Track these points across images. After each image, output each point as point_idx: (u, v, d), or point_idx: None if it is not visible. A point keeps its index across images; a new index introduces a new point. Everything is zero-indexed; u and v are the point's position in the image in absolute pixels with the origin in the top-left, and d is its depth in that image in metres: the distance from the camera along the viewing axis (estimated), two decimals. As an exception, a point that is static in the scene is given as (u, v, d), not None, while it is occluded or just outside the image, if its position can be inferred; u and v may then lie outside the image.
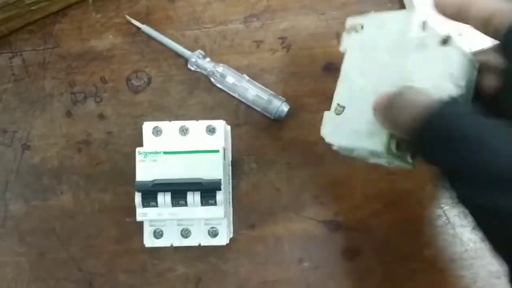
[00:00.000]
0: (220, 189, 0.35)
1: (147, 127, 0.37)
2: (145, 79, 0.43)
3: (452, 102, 0.25)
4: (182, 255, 0.42)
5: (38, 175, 0.42)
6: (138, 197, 0.35)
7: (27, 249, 0.42)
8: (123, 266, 0.42)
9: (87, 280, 0.42)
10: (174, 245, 0.37)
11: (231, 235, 0.40)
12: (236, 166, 0.42)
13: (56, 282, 0.42)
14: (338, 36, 0.43)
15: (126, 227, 0.42)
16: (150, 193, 0.35)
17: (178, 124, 0.37)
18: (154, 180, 0.35)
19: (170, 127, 0.37)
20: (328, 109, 0.33)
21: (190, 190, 0.35)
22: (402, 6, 0.43)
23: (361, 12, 0.43)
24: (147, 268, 0.42)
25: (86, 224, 0.42)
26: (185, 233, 0.37)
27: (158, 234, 0.37)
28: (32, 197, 0.42)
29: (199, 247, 0.41)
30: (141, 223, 0.39)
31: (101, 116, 0.43)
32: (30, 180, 0.42)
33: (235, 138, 0.42)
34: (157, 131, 0.37)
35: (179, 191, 0.35)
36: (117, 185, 0.42)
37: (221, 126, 0.37)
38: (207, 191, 0.35)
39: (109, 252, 0.42)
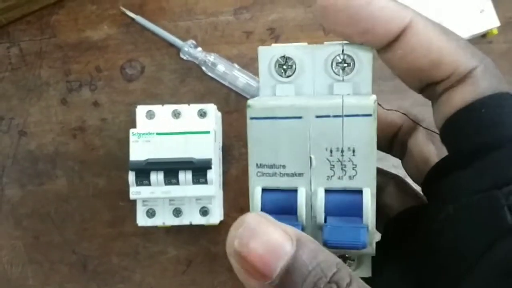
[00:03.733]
0: (210, 168, 0.36)
1: (141, 110, 0.39)
2: (139, 68, 0.44)
3: None
4: (174, 238, 0.43)
5: (34, 161, 0.44)
6: (131, 176, 0.36)
7: (22, 233, 0.43)
8: (116, 249, 0.43)
9: (81, 263, 0.43)
10: (166, 224, 0.38)
11: (222, 218, 0.42)
12: (227, 152, 0.43)
13: (50, 265, 0.43)
14: (324, 28, 0.45)
15: (119, 211, 0.43)
16: (143, 171, 0.36)
17: (170, 108, 0.39)
18: (147, 159, 0.36)
19: (163, 110, 0.39)
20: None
21: (182, 169, 0.36)
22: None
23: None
24: (140, 251, 0.43)
25: (81, 208, 0.43)
26: (177, 213, 0.38)
27: (150, 214, 0.38)
28: (28, 182, 0.43)
29: (190, 230, 0.42)
30: (134, 207, 0.40)
31: (96, 104, 0.44)
32: (26, 166, 0.44)
33: (226, 124, 0.44)
34: (150, 115, 0.39)
35: (171, 170, 0.36)
36: (111, 170, 0.43)
37: (212, 110, 0.39)
38: (198, 169, 0.36)
39: (102, 235, 0.43)
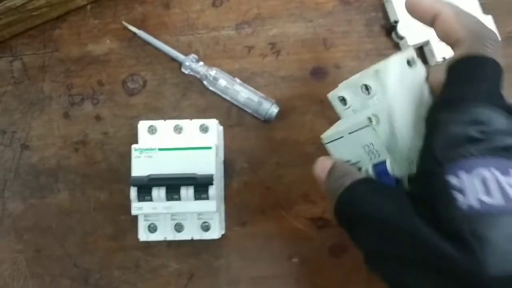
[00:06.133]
0: (212, 184, 0.36)
1: (143, 126, 0.39)
2: (141, 82, 0.45)
3: (360, 181, 0.28)
4: (175, 252, 0.43)
5: (36, 174, 0.44)
6: (133, 192, 0.36)
7: (24, 246, 0.43)
8: (118, 262, 0.43)
9: (82, 276, 0.43)
10: (168, 239, 0.38)
11: (223, 232, 0.42)
12: (228, 165, 0.44)
13: (52, 278, 0.43)
14: (324, 42, 0.45)
15: (120, 225, 0.43)
16: (145, 187, 0.36)
17: (172, 123, 0.39)
18: (149, 175, 0.36)
19: (164, 126, 0.39)
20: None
21: (183, 185, 0.36)
22: (385, 14, 0.45)
23: (347, 20, 0.45)
24: (141, 265, 0.43)
25: (82, 222, 0.43)
26: (179, 228, 0.39)
27: (152, 229, 0.39)
28: (29, 196, 0.44)
29: (192, 244, 0.42)
30: (135, 220, 0.40)
31: (98, 118, 0.44)
32: (28, 179, 0.44)
33: (227, 139, 0.44)
34: (152, 130, 0.39)
35: (173, 185, 0.36)
36: (113, 184, 0.43)
37: (214, 125, 0.39)
38: (200, 185, 0.36)
39: (104, 249, 0.43)
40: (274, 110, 0.43)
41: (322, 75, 0.45)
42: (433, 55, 0.43)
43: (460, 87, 0.26)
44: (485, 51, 0.26)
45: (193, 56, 0.44)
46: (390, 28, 0.45)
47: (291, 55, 0.45)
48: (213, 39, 0.45)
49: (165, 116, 0.44)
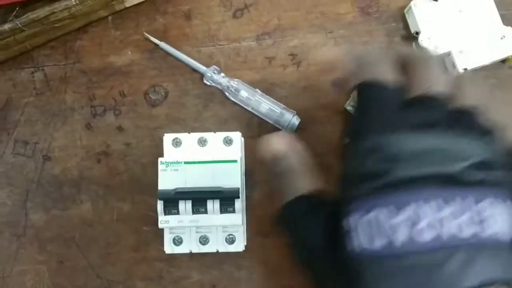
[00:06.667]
0: (238, 197, 0.37)
1: (168, 138, 0.39)
2: (162, 93, 0.45)
3: (293, 201, 0.34)
4: (198, 263, 0.43)
5: (58, 185, 0.44)
6: (160, 205, 0.37)
7: (47, 257, 0.43)
8: (140, 273, 0.43)
9: (105, 287, 0.43)
10: (193, 251, 0.39)
11: (245, 243, 0.42)
12: (250, 176, 0.44)
13: (75, 289, 0.43)
14: (345, 53, 0.45)
15: (143, 236, 0.43)
16: (172, 201, 0.36)
17: (197, 135, 0.39)
18: (176, 189, 0.36)
19: (189, 138, 0.39)
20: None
21: (210, 198, 0.36)
22: (405, 25, 0.45)
23: (367, 30, 0.46)
24: (164, 276, 0.43)
25: (105, 233, 0.43)
26: (204, 240, 0.39)
27: (177, 242, 0.39)
28: (52, 206, 0.44)
29: (214, 255, 0.42)
30: (158, 231, 0.40)
31: (120, 128, 0.45)
32: (50, 190, 0.44)
33: (248, 149, 0.44)
34: (176, 142, 0.39)
35: (199, 199, 0.36)
36: (135, 195, 0.44)
37: (238, 138, 0.39)
38: (226, 199, 0.36)
39: (127, 260, 0.43)
40: (295, 121, 0.43)
41: (343, 86, 0.45)
42: (454, 66, 0.43)
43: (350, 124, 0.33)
44: (365, 77, 0.31)
45: (214, 67, 0.44)
46: (411, 39, 0.45)
47: (312, 66, 0.45)
48: (234, 50, 0.45)
49: (186, 127, 0.44)
